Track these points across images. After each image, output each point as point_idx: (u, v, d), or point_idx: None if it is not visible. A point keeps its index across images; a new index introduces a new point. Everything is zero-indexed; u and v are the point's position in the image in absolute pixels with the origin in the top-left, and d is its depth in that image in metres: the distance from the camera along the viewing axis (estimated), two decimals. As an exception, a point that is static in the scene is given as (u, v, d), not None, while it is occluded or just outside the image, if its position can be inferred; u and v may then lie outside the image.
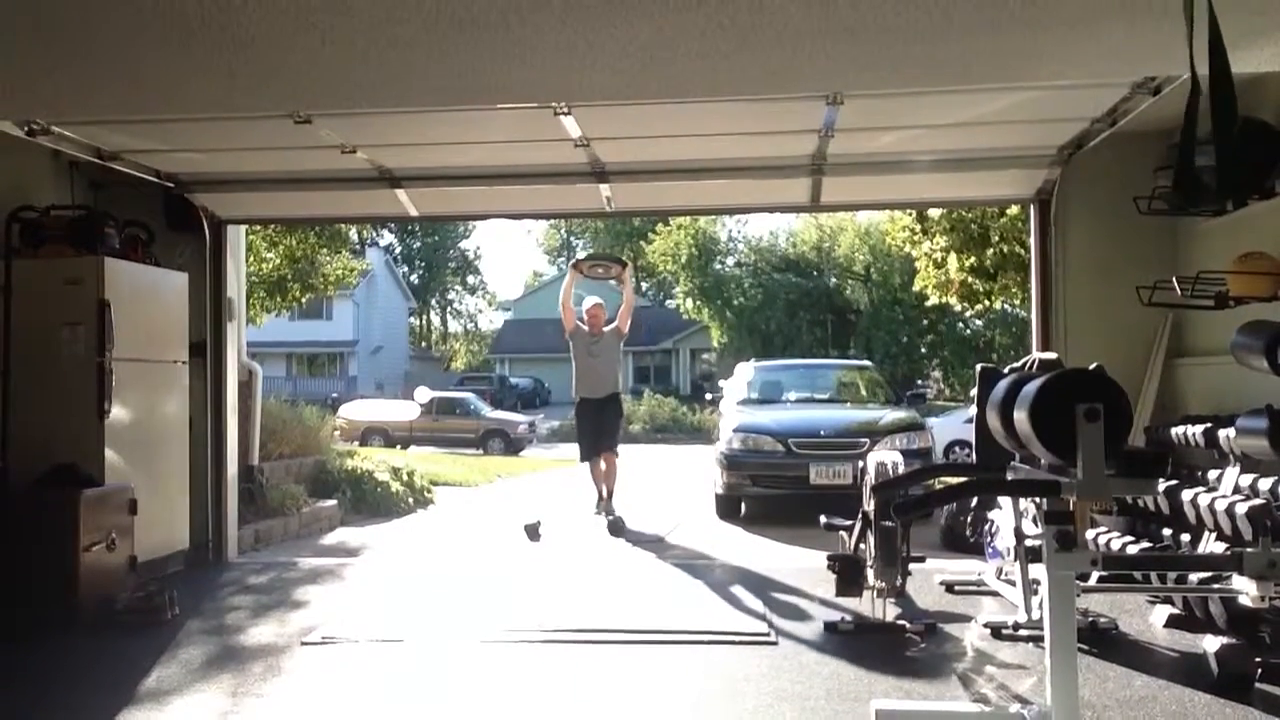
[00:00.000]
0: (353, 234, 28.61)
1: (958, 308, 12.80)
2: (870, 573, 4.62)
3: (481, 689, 3.90)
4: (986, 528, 5.56)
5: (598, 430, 8.60)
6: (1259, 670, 3.63)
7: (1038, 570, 4.22)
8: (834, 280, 33.79)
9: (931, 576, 5.47)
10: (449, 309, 58.73)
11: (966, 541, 6.64)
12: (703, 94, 4.51)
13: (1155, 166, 5.53)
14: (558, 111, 4.91)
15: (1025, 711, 3.24)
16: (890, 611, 4.77)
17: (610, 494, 8.57)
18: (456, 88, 4.08)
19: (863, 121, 5.18)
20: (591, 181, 6.26)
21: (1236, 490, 4.37)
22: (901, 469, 5.16)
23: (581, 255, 9.47)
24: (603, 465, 8.57)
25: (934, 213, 10.54)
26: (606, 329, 8.76)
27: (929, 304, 16.17)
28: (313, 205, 7.22)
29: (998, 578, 5.13)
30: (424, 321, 56.94)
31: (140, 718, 3.57)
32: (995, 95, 4.84)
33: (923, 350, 32.06)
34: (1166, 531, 4.87)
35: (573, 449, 9.69)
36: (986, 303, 11.70)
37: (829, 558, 4.79)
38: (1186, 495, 4.58)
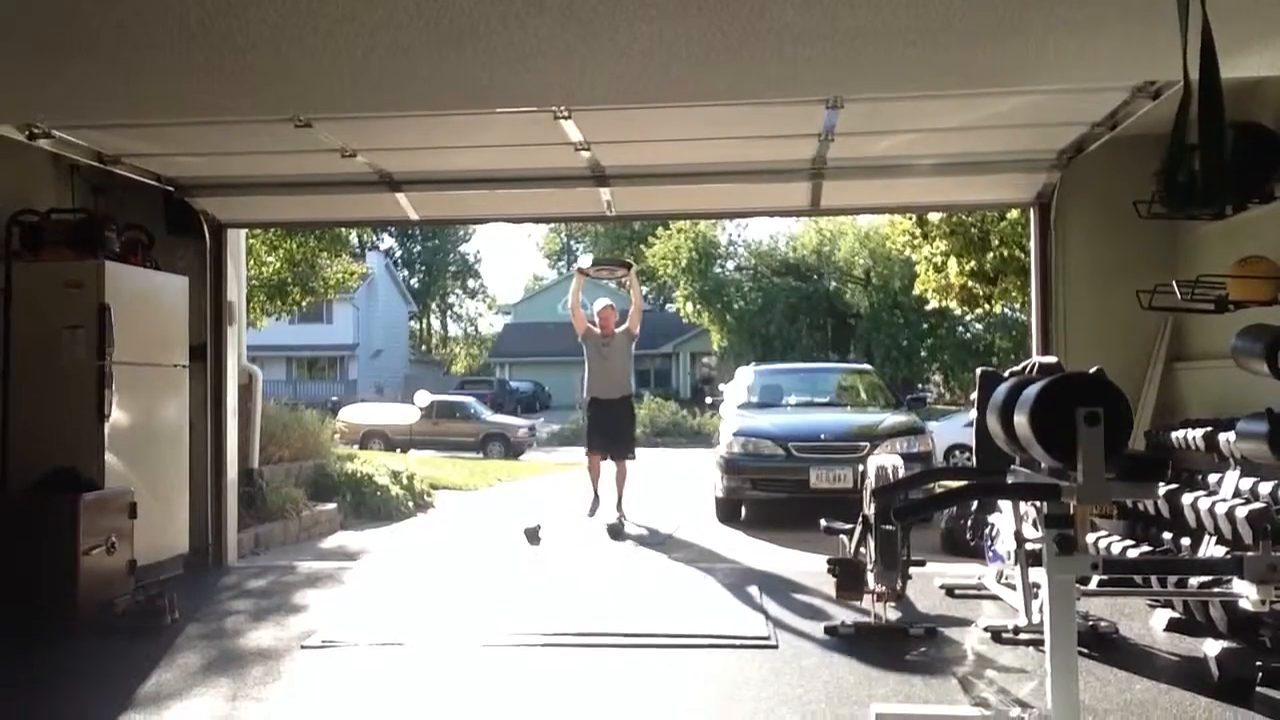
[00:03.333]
0: (353, 237, 28.57)
1: (958, 311, 12.84)
2: (870, 576, 4.62)
3: (482, 693, 3.90)
4: (987, 531, 5.57)
5: (610, 433, 8.61)
6: (1260, 674, 3.62)
7: (1038, 574, 4.22)
8: (834, 284, 33.76)
9: (932, 580, 5.46)
10: (449, 312, 58.78)
11: (967, 545, 6.65)
12: (703, 98, 4.53)
13: (1155, 170, 5.53)
14: (558, 115, 4.91)
15: (1026, 715, 3.25)
16: (890, 615, 4.77)
17: (619, 499, 8.55)
18: (457, 92, 4.10)
19: (863, 125, 5.18)
20: (592, 185, 6.26)
21: (1237, 494, 4.36)
22: (902, 473, 5.17)
23: (586, 259, 9.46)
24: (604, 465, 8.55)
25: (934, 217, 10.56)
26: (618, 330, 8.80)
27: (929, 308, 16.17)
28: (313, 209, 7.23)
29: (998, 581, 5.13)
30: (424, 325, 56.94)
31: (140, 722, 3.57)
32: (995, 99, 4.84)
33: (923, 354, 32.02)
34: (1167, 535, 4.86)
35: (573, 453, 9.67)
36: (986, 306, 11.72)
37: (829, 561, 4.80)
38: (1187, 499, 4.57)
